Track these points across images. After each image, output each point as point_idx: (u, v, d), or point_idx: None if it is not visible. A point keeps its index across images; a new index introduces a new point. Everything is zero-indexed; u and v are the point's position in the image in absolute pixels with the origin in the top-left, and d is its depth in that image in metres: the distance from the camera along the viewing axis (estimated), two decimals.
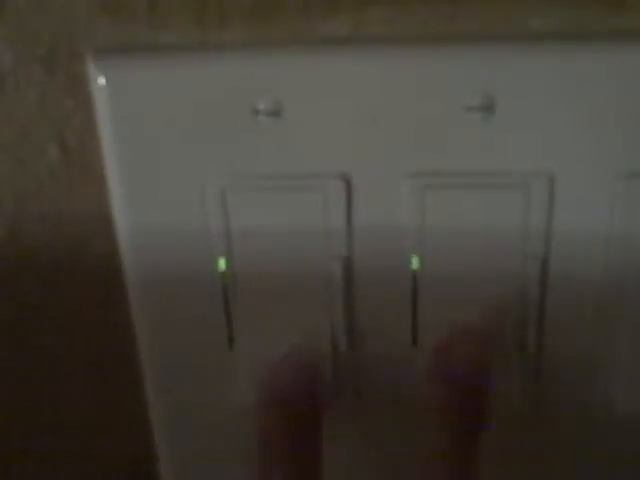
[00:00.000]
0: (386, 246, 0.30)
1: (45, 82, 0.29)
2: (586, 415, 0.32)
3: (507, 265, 0.30)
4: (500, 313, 0.31)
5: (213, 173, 0.29)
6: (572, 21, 0.27)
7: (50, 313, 0.33)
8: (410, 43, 0.27)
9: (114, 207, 0.30)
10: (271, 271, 0.30)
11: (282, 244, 0.30)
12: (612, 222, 0.29)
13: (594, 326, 0.30)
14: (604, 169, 0.28)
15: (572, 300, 0.30)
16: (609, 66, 0.27)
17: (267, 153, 0.28)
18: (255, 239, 0.30)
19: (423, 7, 0.27)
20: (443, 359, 0.29)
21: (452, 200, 0.29)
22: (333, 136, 0.28)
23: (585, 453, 0.33)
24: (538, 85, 0.27)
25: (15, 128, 0.29)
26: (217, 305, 0.31)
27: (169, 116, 0.28)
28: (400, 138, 0.28)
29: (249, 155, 0.28)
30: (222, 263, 0.30)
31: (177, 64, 0.27)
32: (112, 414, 0.35)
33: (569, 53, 0.27)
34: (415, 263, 0.30)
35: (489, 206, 0.29)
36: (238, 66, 0.27)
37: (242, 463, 0.31)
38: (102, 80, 0.27)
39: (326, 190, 0.29)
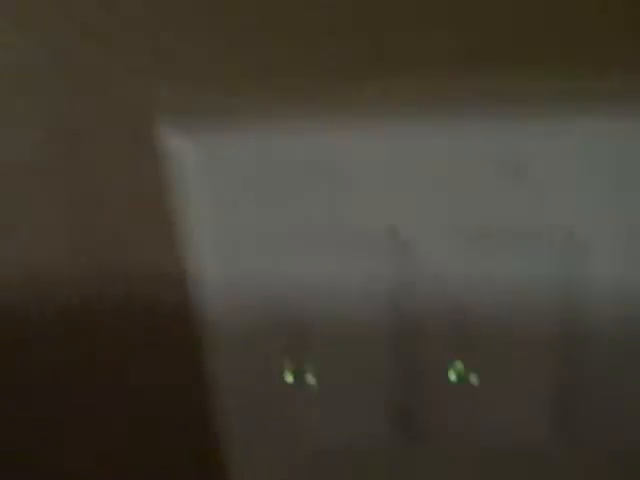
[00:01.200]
0: (433, 297, 0.33)
1: (120, 144, 0.30)
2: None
3: (541, 318, 0.32)
4: None
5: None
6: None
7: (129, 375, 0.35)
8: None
9: (190, 266, 0.32)
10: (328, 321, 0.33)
11: (335, 297, 0.33)
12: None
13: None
14: (620, 226, 0.31)
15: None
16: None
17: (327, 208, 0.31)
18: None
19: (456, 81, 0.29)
20: None
21: (491, 254, 0.32)
22: (383, 194, 0.31)
23: None
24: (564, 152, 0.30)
25: (92, 186, 0.31)
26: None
27: (241, 179, 0.31)
28: (440, 197, 0.31)
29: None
30: None
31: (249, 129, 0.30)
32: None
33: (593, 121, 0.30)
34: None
35: (523, 261, 0.32)
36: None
37: None
38: (178, 142, 0.30)
39: (375, 244, 0.32)
